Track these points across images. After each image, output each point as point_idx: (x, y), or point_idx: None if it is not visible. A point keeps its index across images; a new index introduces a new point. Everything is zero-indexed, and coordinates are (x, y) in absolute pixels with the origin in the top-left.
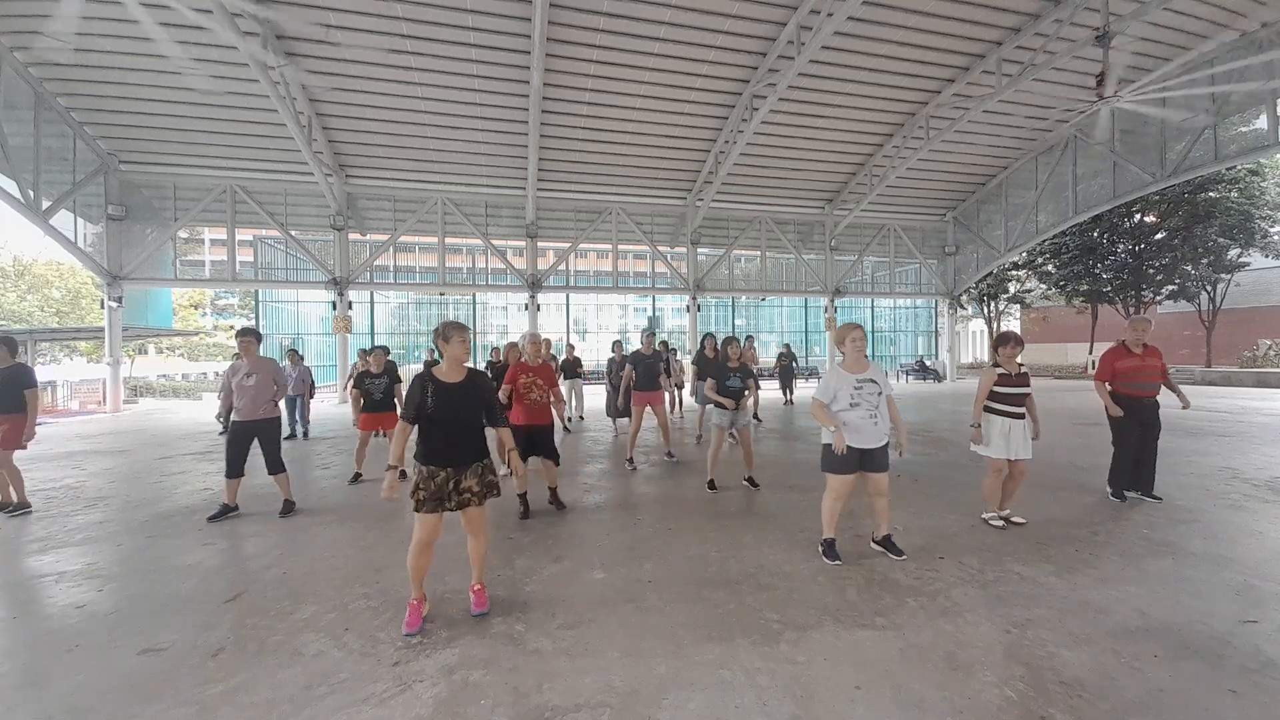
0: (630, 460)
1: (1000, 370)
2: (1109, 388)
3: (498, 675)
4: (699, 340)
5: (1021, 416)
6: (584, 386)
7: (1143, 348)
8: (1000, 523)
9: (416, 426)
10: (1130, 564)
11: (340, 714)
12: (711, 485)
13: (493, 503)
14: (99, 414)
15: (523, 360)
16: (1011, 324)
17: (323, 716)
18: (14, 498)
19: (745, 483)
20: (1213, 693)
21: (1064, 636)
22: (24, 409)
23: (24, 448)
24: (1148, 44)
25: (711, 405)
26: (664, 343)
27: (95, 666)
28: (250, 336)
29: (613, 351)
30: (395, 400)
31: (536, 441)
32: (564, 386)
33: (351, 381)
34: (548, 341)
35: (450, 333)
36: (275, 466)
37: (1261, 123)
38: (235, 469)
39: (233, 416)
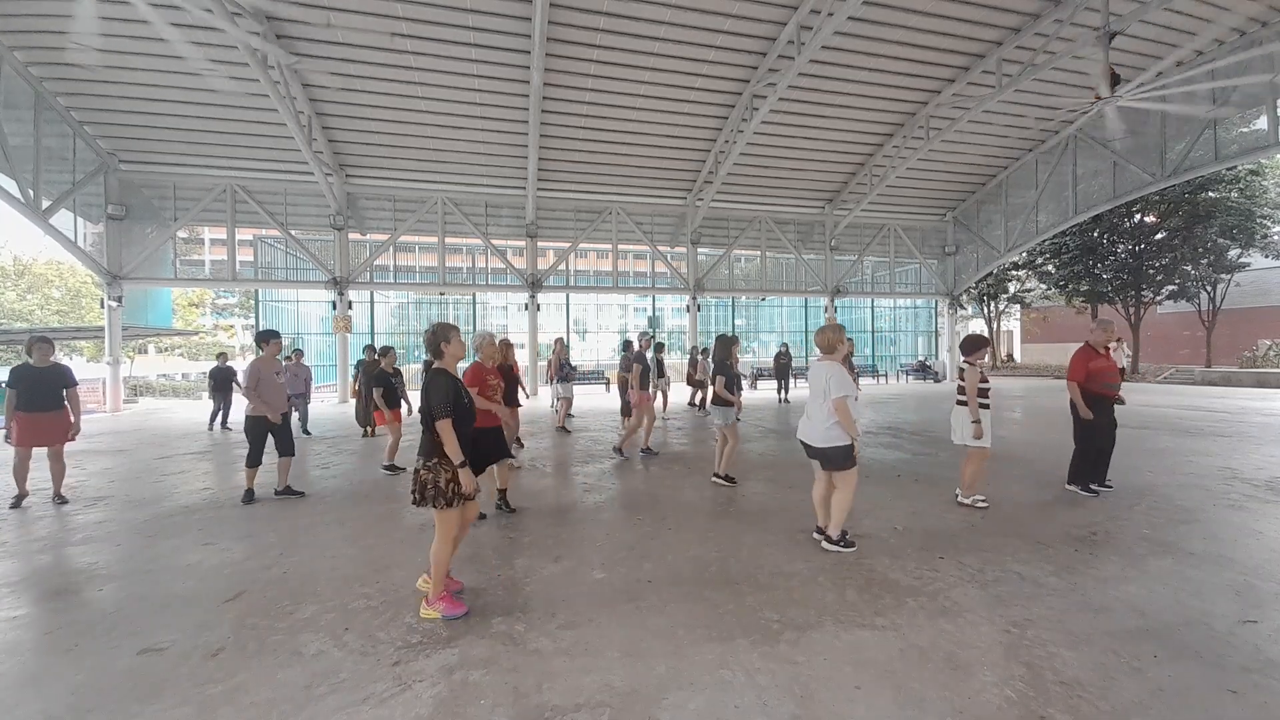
0: (647, 448)
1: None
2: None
3: (498, 675)
4: (711, 342)
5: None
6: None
7: (1105, 349)
8: (986, 503)
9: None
10: (1130, 564)
11: (340, 714)
12: (732, 480)
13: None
14: (99, 413)
15: (479, 361)
16: (1012, 324)
17: (323, 716)
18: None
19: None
20: (1213, 693)
21: (1064, 636)
22: (63, 407)
23: (71, 440)
24: (1148, 44)
25: (719, 404)
26: (660, 344)
27: (95, 666)
28: (279, 338)
29: (624, 351)
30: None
31: (486, 443)
32: (560, 387)
33: (361, 380)
34: (504, 342)
35: (450, 334)
36: (289, 449)
37: (1261, 123)
38: (258, 458)
39: (251, 411)
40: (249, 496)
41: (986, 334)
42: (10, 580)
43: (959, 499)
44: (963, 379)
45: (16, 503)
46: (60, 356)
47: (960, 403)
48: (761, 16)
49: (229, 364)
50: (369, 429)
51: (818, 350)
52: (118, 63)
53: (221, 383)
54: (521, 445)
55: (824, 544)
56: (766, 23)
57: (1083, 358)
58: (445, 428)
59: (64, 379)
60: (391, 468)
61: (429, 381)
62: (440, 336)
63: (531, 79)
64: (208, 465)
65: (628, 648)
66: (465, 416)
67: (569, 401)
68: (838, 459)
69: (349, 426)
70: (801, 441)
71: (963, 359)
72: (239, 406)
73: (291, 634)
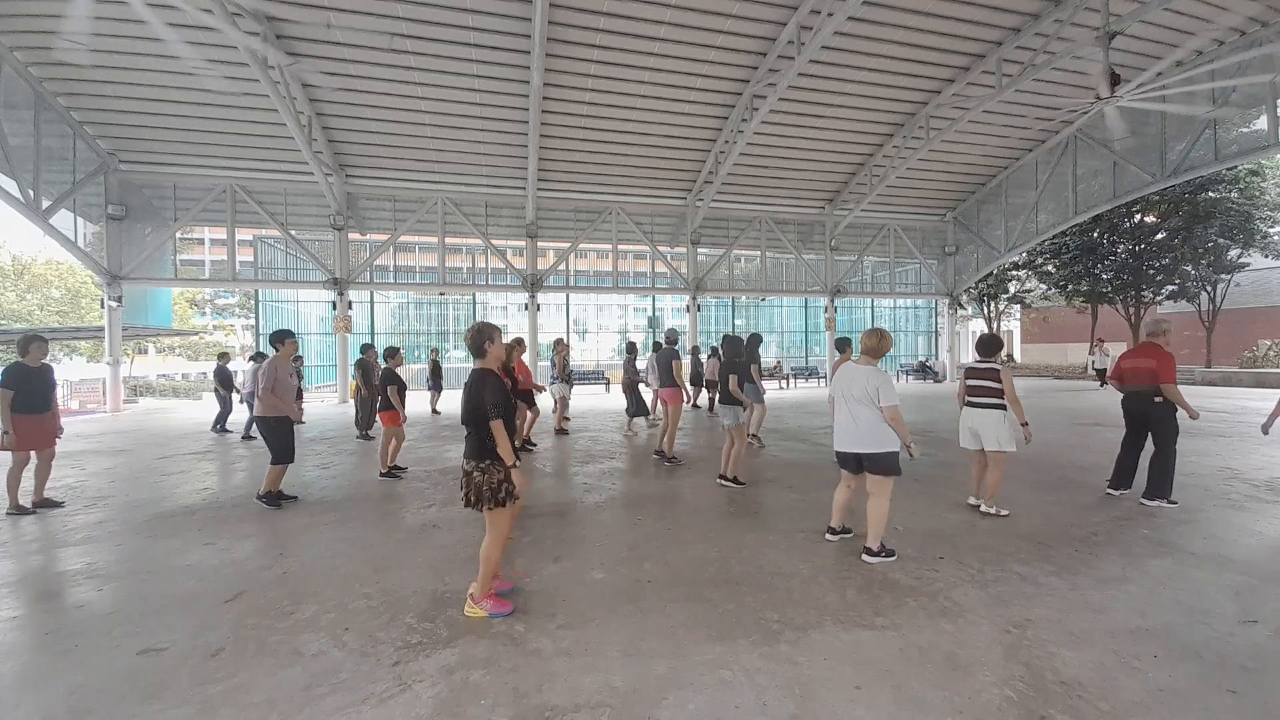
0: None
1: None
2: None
3: (498, 675)
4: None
5: None
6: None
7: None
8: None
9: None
10: (1130, 564)
11: (340, 714)
12: (740, 482)
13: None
14: (99, 414)
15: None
16: (1012, 324)
17: (323, 716)
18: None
19: (725, 479)
20: (1213, 693)
21: (1064, 636)
22: (51, 408)
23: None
24: (1148, 44)
25: (728, 404)
26: (631, 344)
27: (95, 666)
28: (294, 338)
29: (629, 352)
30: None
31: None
32: (558, 388)
33: (372, 378)
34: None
35: (494, 334)
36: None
37: (1261, 123)
38: (290, 454)
39: (265, 411)
40: (276, 500)
41: (995, 333)
42: (9, 580)
43: (982, 508)
44: (974, 379)
45: (21, 511)
46: (60, 356)
47: (980, 405)
48: (761, 17)
49: (228, 365)
50: (367, 432)
51: (854, 351)
52: (118, 63)
53: (225, 383)
54: (532, 446)
55: (864, 557)
56: (766, 23)
57: (1172, 358)
58: (498, 428)
59: (53, 380)
60: (390, 473)
61: (479, 382)
62: (484, 336)
63: (531, 79)
64: (208, 465)
65: (628, 648)
66: (510, 416)
67: (564, 402)
68: (885, 463)
69: (348, 427)
70: (841, 451)
71: (980, 360)
72: (238, 410)
73: (291, 634)
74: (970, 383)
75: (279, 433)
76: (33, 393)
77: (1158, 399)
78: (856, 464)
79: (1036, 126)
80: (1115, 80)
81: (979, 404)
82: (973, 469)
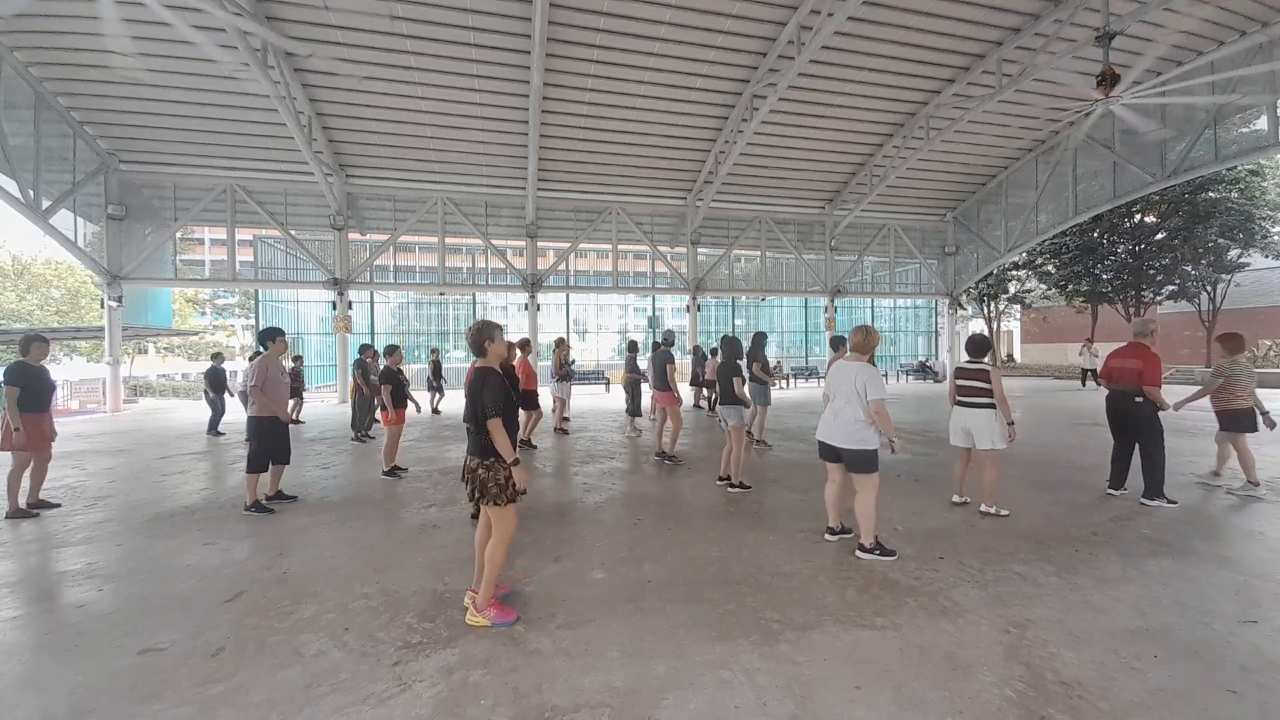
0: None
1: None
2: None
3: (498, 675)
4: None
5: None
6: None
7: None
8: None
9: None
10: (1130, 564)
11: (340, 714)
12: (747, 487)
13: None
14: (99, 414)
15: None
16: (1012, 324)
17: (323, 716)
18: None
19: (725, 482)
20: (1213, 693)
21: (1064, 636)
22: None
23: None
24: (1147, 44)
25: (729, 404)
26: (633, 343)
27: (95, 666)
28: (284, 336)
29: (630, 351)
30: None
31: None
32: (558, 388)
33: (370, 379)
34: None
35: (495, 332)
36: (285, 458)
37: (1261, 123)
38: (265, 464)
39: (257, 411)
40: (259, 508)
41: (987, 334)
42: (10, 580)
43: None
44: (964, 379)
45: (20, 515)
46: (60, 356)
47: (970, 405)
48: (761, 17)
49: (222, 365)
50: (362, 434)
51: (839, 348)
52: (118, 62)
53: (216, 384)
54: (533, 446)
55: (858, 553)
56: (766, 23)
57: (1158, 360)
58: (496, 426)
59: (51, 381)
60: (392, 472)
61: (480, 380)
62: (485, 334)
63: (531, 79)
64: (207, 466)
65: (628, 648)
66: (512, 414)
67: (563, 402)
68: (862, 462)
69: (348, 427)
70: (821, 441)
71: (970, 360)
72: (232, 410)
73: (291, 634)
74: (960, 383)
75: (271, 433)
76: (34, 392)
77: (1138, 399)
78: (835, 454)
79: (1046, 129)
80: (1114, 81)
81: (970, 403)
82: (957, 466)
